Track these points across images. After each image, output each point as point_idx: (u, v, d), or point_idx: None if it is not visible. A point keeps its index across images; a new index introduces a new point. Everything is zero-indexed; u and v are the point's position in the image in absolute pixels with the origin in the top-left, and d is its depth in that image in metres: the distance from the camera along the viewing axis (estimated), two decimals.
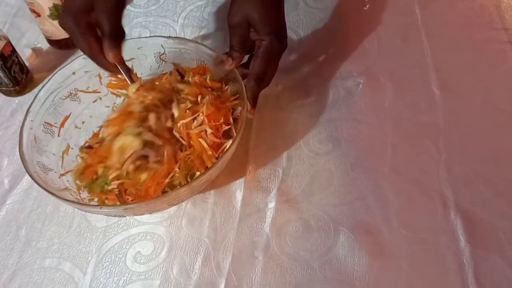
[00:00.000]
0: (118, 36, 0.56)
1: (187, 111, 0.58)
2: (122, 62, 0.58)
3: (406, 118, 0.66)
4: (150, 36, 0.73)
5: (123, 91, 0.64)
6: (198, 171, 0.56)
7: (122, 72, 0.59)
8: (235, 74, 0.60)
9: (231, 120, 0.59)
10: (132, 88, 0.60)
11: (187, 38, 0.77)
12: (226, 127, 0.58)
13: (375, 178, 0.60)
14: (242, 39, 0.60)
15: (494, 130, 0.63)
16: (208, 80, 0.62)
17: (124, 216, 0.60)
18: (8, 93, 0.76)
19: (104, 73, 0.65)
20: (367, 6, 0.81)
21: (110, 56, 0.55)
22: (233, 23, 0.59)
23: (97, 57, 0.57)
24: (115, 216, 0.59)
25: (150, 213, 0.59)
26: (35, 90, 0.71)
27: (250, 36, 0.60)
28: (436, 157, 0.61)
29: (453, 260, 0.53)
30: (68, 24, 0.55)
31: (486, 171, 0.59)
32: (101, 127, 0.65)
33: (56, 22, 0.77)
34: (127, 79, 0.60)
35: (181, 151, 0.57)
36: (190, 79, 0.63)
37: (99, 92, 0.67)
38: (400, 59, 0.72)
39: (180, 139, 0.57)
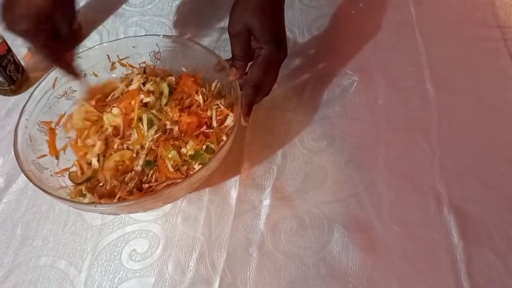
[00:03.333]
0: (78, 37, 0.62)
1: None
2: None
3: (400, 115, 0.66)
4: (145, 35, 0.73)
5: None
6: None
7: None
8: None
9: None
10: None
11: (182, 37, 0.77)
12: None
13: (368, 174, 0.61)
14: (244, 48, 0.59)
15: (487, 127, 0.64)
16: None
17: (119, 214, 0.60)
18: (3, 93, 0.76)
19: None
20: (362, 4, 0.81)
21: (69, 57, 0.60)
22: (234, 32, 0.59)
23: (58, 61, 0.60)
24: (109, 214, 0.60)
25: (145, 211, 0.59)
26: (31, 89, 0.72)
27: (251, 45, 0.60)
28: (429, 153, 0.62)
29: (446, 256, 0.54)
30: (28, 30, 0.56)
31: (478, 167, 0.60)
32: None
33: None
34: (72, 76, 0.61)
35: None
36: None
37: None
38: (394, 56, 0.73)
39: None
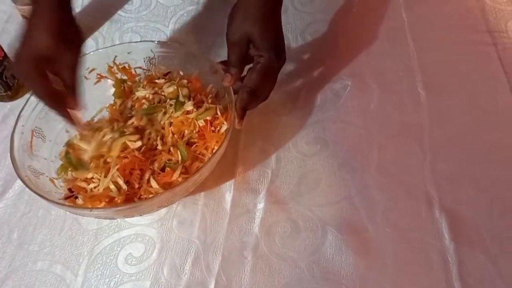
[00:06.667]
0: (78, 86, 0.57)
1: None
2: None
3: (392, 118, 0.67)
4: (140, 41, 0.73)
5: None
6: None
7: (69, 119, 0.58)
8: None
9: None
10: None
11: (177, 43, 0.78)
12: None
13: (361, 178, 0.62)
14: (241, 55, 0.60)
15: (477, 130, 0.65)
16: None
17: (115, 219, 0.61)
18: (0, 98, 0.77)
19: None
20: (355, 9, 0.82)
21: (75, 105, 0.57)
22: (234, 40, 0.60)
23: (56, 106, 0.57)
24: (105, 218, 0.60)
25: (141, 215, 0.59)
26: (27, 95, 0.72)
27: (249, 52, 0.61)
28: (421, 157, 0.62)
29: (438, 257, 0.55)
30: (29, 71, 0.54)
31: (470, 170, 0.61)
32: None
33: None
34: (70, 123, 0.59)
35: None
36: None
37: None
38: (387, 61, 0.74)
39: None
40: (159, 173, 0.57)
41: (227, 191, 0.63)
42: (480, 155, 0.62)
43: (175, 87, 0.63)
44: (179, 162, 0.58)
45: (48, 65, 0.55)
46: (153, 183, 0.56)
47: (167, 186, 0.56)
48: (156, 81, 0.65)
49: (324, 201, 0.60)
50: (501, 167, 0.61)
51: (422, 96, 0.69)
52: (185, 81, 0.65)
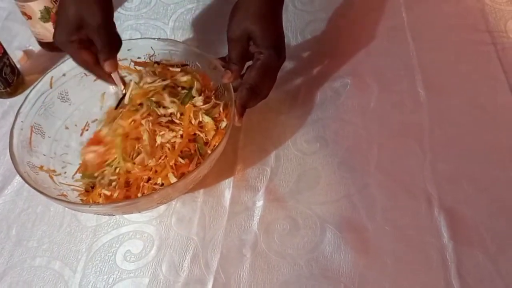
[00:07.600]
0: (112, 46, 0.59)
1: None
2: (116, 70, 0.60)
3: (392, 118, 0.67)
4: (140, 38, 0.73)
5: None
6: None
7: (116, 81, 0.61)
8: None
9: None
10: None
11: (177, 40, 0.77)
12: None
13: (361, 176, 0.62)
14: (241, 52, 0.60)
15: (477, 129, 0.64)
16: None
17: (114, 215, 0.61)
18: None
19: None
20: (355, 8, 0.82)
21: (106, 66, 0.58)
22: (234, 36, 0.60)
23: (94, 70, 0.60)
24: (104, 214, 0.60)
25: (140, 212, 0.59)
26: (26, 92, 0.72)
27: (249, 49, 0.61)
28: (420, 156, 0.62)
29: (437, 256, 0.54)
30: (62, 42, 0.58)
31: (469, 169, 0.61)
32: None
33: (47, 25, 0.78)
34: (120, 85, 0.62)
35: None
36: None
37: None
38: (387, 60, 0.74)
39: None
40: (176, 164, 0.57)
41: (226, 189, 0.63)
42: (480, 155, 0.62)
43: (190, 77, 0.63)
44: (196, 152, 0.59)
45: (80, 32, 0.57)
46: (171, 178, 0.56)
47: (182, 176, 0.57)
48: (170, 68, 0.65)
49: (323, 199, 0.60)
50: (501, 167, 0.61)
51: (422, 95, 0.69)
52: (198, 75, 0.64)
